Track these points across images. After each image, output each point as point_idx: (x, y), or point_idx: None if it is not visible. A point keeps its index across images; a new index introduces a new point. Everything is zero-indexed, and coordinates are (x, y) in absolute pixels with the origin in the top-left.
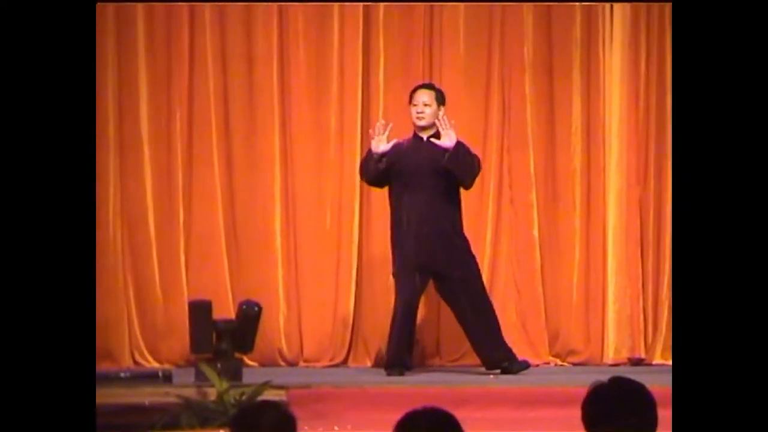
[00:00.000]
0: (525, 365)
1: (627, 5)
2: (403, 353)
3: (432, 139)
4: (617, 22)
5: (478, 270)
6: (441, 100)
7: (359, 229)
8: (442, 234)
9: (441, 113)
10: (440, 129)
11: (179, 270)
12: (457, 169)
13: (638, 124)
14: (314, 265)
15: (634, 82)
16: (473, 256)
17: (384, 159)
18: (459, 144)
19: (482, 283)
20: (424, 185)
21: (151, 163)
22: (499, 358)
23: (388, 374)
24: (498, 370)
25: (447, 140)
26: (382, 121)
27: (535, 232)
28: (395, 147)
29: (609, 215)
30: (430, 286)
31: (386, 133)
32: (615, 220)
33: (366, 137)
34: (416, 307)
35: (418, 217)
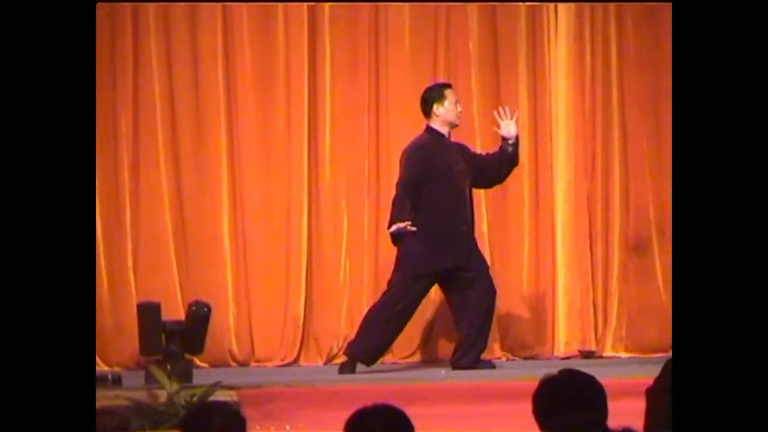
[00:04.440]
0: (491, 365)
1: None
2: (382, 350)
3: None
4: (562, 16)
5: None
6: None
7: (308, 228)
8: (472, 233)
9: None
10: (503, 118)
11: (127, 272)
12: (516, 158)
13: (585, 116)
14: (263, 264)
15: (580, 75)
16: None
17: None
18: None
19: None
20: (461, 185)
21: (98, 166)
22: (476, 358)
23: (346, 366)
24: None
25: (513, 129)
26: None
27: (484, 227)
28: (418, 153)
29: (557, 209)
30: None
31: None
32: (563, 213)
33: (313, 136)
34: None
35: (456, 217)
